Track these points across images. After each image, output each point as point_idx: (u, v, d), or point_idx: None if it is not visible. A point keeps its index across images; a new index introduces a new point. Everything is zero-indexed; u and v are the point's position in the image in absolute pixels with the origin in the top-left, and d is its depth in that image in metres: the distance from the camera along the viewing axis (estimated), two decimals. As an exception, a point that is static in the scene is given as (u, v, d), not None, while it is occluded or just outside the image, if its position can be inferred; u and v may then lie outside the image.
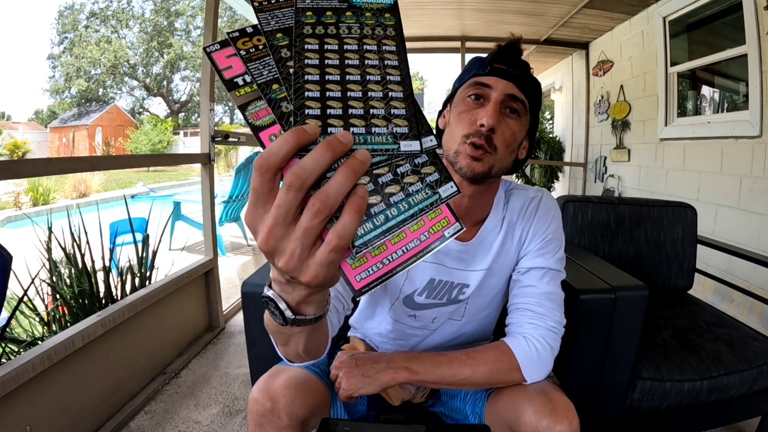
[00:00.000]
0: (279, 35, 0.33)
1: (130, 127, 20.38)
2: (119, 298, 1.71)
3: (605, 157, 4.06)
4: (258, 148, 3.87)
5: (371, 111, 0.31)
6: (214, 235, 2.05)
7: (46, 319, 1.65)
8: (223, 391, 1.58)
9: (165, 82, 25.29)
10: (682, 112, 3.10)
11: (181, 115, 25.93)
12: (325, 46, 0.33)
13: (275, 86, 0.32)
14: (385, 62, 0.33)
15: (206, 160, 1.94)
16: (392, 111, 0.32)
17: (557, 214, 0.80)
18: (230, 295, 2.46)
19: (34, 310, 1.65)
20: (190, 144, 19.34)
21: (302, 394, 0.67)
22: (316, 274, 0.30)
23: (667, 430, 1.13)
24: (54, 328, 1.61)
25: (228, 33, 0.35)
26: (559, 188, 5.25)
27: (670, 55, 3.09)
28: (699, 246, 1.57)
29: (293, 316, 0.37)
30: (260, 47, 0.34)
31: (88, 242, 1.70)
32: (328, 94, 0.31)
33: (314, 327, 0.41)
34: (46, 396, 1.14)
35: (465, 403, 0.81)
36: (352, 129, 0.31)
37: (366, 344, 0.91)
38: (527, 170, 5.45)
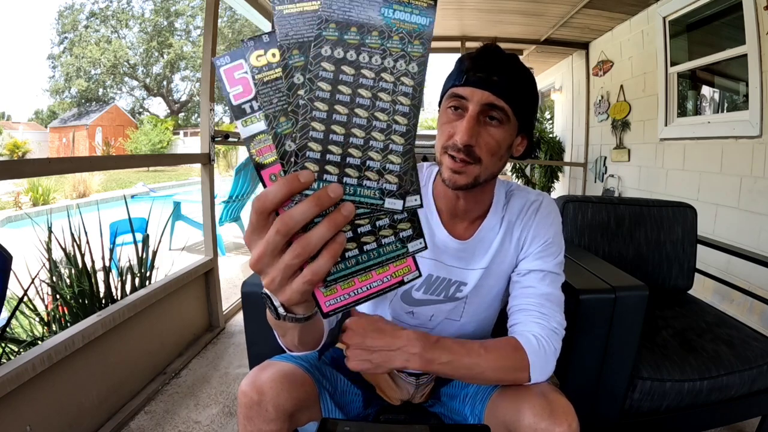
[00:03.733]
0: (295, 52, 0.32)
1: (130, 127, 20.37)
2: (119, 298, 1.71)
3: (605, 157, 4.06)
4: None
5: (367, 162, 0.33)
6: (214, 235, 2.05)
7: (46, 319, 1.65)
8: (223, 391, 1.58)
9: (165, 82, 25.28)
10: (682, 112, 3.10)
11: (181, 115, 25.92)
12: (340, 76, 0.32)
13: (282, 119, 0.33)
14: (396, 106, 0.33)
15: (206, 160, 1.94)
16: (387, 165, 0.34)
17: (557, 219, 0.80)
18: (230, 295, 2.46)
19: (34, 310, 1.65)
20: (190, 144, 19.34)
21: (288, 387, 0.68)
22: (290, 298, 0.36)
23: (667, 431, 1.13)
24: (54, 328, 1.61)
25: (244, 41, 0.33)
26: (559, 188, 5.24)
27: (670, 55, 3.09)
28: (699, 246, 1.57)
29: (285, 313, 0.44)
30: (274, 65, 0.33)
31: (88, 242, 1.70)
32: (331, 136, 0.33)
33: (307, 324, 0.47)
34: (46, 396, 1.14)
35: (464, 404, 0.81)
36: (345, 179, 0.33)
37: None
38: (527, 170, 5.45)
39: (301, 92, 0.32)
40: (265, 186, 0.34)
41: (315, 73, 0.32)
